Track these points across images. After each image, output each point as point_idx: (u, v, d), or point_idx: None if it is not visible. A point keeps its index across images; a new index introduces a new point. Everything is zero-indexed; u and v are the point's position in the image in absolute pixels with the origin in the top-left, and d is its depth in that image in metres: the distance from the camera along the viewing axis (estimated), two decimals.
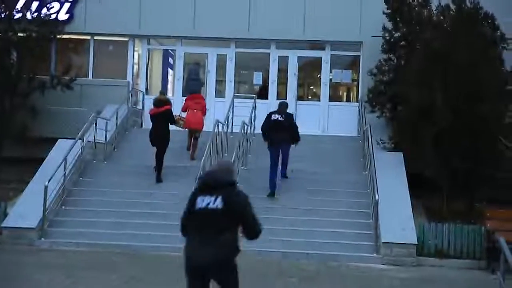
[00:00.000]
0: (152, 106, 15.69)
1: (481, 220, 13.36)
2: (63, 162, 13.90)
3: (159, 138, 14.97)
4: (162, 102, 15.46)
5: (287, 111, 14.98)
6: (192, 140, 16.65)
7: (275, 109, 14.95)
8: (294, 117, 15.39)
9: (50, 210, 13.43)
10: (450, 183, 14.30)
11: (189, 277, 6.10)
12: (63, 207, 14.00)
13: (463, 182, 14.35)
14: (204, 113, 16.87)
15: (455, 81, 14.18)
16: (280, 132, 14.32)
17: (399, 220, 12.96)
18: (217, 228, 5.98)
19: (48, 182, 13.12)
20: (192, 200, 6.14)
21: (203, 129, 16.67)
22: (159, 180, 15.02)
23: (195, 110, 16.62)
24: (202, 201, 6.04)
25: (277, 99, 18.96)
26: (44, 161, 14.91)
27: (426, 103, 14.22)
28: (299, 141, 14.77)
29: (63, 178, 13.97)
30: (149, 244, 12.84)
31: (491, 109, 13.83)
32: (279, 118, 14.51)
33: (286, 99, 18.04)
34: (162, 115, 15.15)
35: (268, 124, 14.58)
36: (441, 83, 14.18)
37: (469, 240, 12.92)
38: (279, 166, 14.35)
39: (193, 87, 18.44)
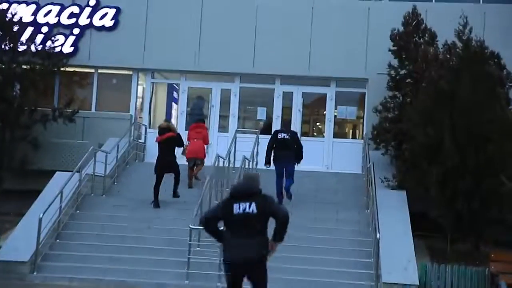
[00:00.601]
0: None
1: (487, 263, 12.97)
2: (59, 195, 13.66)
3: (163, 165, 15.03)
4: (165, 129, 15.48)
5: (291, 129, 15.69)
6: (194, 168, 16.55)
7: (280, 128, 15.75)
8: (298, 135, 16.09)
9: (44, 243, 13.16)
10: (454, 224, 13.95)
11: (229, 274, 7.43)
12: (57, 240, 13.73)
13: (468, 223, 13.99)
14: (206, 142, 16.94)
15: (461, 120, 13.92)
16: (286, 150, 15.02)
17: (401, 260, 12.59)
18: (254, 229, 7.38)
19: (43, 215, 12.88)
20: (228, 207, 7.44)
21: (205, 158, 16.69)
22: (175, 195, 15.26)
23: (195, 140, 16.68)
24: (239, 208, 7.40)
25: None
26: (41, 193, 14.68)
27: (432, 142, 13.96)
28: (302, 160, 15.38)
29: (58, 211, 13.72)
30: (145, 280, 12.52)
31: (498, 149, 13.52)
32: (286, 137, 15.15)
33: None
34: (166, 143, 15.19)
35: (274, 142, 15.16)
36: (448, 122, 13.92)
37: (472, 282, 12.54)
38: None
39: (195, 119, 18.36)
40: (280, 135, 15.20)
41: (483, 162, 13.63)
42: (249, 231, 7.33)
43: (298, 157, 15.26)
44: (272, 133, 15.64)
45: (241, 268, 7.36)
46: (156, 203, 15.05)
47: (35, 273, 12.70)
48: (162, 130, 15.44)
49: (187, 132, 17.64)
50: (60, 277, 12.56)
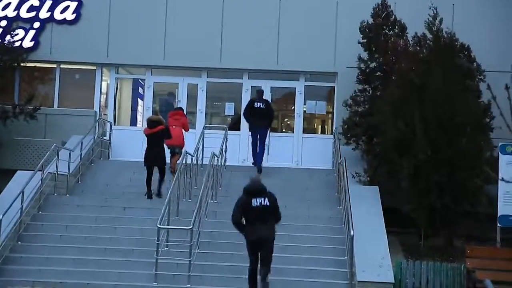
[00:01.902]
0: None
1: (461, 258, 12.77)
2: (20, 195, 13.10)
3: (153, 158, 14.97)
4: (155, 122, 15.32)
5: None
6: (173, 157, 16.27)
7: (256, 98, 17.06)
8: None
9: (4, 246, 12.59)
10: (427, 219, 13.72)
11: (252, 250, 10.74)
12: (19, 242, 13.16)
13: (442, 218, 13.79)
14: (186, 129, 16.84)
15: (432, 113, 13.70)
16: (262, 119, 16.68)
17: (375, 257, 12.31)
18: (268, 217, 10.69)
19: (2, 216, 12.30)
20: (248, 201, 10.72)
21: (183, 146, 16.34)
22: (159, 195, 15.05)
23: (173, 126, 16.31)
24: (256, 201, 10.71)
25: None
26: (1, 194, 14.08)
27: (403, 135, 13.71)
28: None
29: (19, 211, 13.16)
30: (111, 282, 12.07)
31: (470, 142, 13.33)
32: (261, 106, 16.76)
33: None
34: (156, 136, 15.09)
35: (251, 110, 16.77)
36: (419, 115, 13.68)
37: (448, 279, 12.28)
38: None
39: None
40: (257, 104, 16.81)
41: (455, 154, 13.41)
42: (265, 218, 10.64)
43: (270, 123, 17.32)
44: (248, 102, 17.20)
45: (260, 244, 10.65)
46: (150, 195, 15.04)
47: None
48: (153, 123, 15.27)
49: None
50: (22, 281, 12.05)
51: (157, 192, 15.15)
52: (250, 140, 17.12)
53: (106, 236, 13.44)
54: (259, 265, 10.77)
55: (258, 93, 17.35)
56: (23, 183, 13.48)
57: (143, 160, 15.34)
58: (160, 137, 15.20)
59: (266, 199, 10.76)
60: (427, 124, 13.72)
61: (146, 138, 15.45)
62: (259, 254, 10.74)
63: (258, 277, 10.75)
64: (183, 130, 16.65)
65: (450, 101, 13.69)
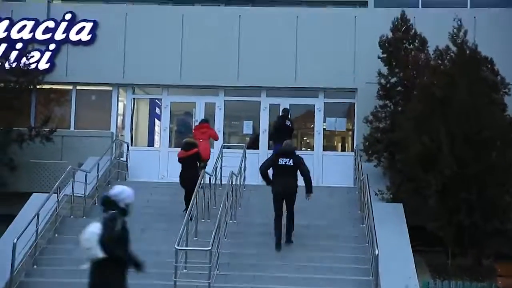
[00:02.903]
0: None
1: (491, 277, 12.27)
2: (36, 218, 12.81)
3: (188, 181, 14.61)
4: (190, 145, 15.16)
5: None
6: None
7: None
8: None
9: (19, 270, 12.27)
10: (455, 237, 13.24)
11: (277, 199, 12.86)
12: (34, 266, 12.84)
13: (470, 236, 13.31)
14: (216, 138, 17.05)
15: (458, 127, 13.27)
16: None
17: (401, 277, 11.85)
18: (291, 174, 12.76)
19: (17, 240, 12.00)
20: (275, 160, 12.96)
21: (209, 159, 16.33)
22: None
23: (200, 140, 16.15)
24: (282, 160, 12.83)
25: (268, 149, 18.07)
26: (16, 217, 13.82)
27: (428, 150, 13.29)
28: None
29: (35, 234, 12.87)
30: None
31: (500, 156, 12.87)
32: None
33: None
34: (191, 158, 14.92)
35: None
36: (444, 130, 13.26)
37: None
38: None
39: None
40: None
41: (484, 170, 12.95)
42: (289, 174, 12.74)
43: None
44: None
45: (285, 196, 12.80)
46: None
47: None
48: (187, 145, 15.11)
49: (169, 152, 17.15)
50: None
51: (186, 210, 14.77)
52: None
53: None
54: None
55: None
56: (39, 206, 13.20)
57: (177, 181, 15.12)
58: (194, 160, 15.02)
59: (291, 160, 12.82)
60: (453, 138, 13.28)
61: (183, 160, 15.09)
62: (283, 203, 12.86)
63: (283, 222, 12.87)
64: (211, 141, 16.74)
65: (476, 114, 13.26)
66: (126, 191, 7.51)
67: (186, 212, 14.10)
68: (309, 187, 12.79)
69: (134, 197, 7.61)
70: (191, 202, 13.65)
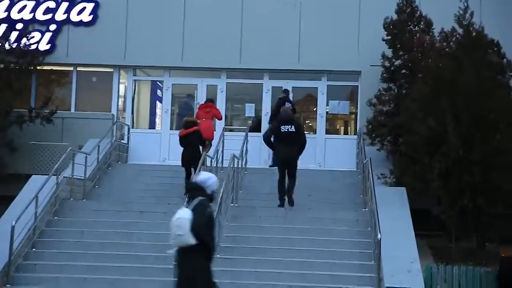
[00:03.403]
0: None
1: (494, 262, 12.11)
2: (34, 200, 12.67)
3: (189, 160, 14.66)
4: (190, 123, 15.17)
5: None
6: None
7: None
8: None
9: (17, 253, 12.12)
10: (459, 221, 13.08)
11: (281, 165, 13.65)
12: (33, 249, 12.70)
13: (474, 220, 13.14)
14: (219, 118, 16.92)
15: (465, 110, 13.06)
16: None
17: (403, 261, 11.67)
18: (293, 140, 13.36)
19: (15, 222, 11.85)
20: (278, 127, 13.50)
21: (213, 139, 16.30)
22: None
23: (204, 119, 16.19)
24: (285, 127, 13.43)
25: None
26: (15, 199, 13.67)
27: (434, 133, 13.08)
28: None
29: (34, 217, 12.73)
30: None
31: (505, 139, 12.66)
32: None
33: None
34: (192, 136, 14.89)
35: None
36: (450, 112, 13.05)
37: (482, 284, 11.64)
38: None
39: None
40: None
41: (489, 153, 12.75)
42: (291, 141, 13.34)
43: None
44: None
45: (287, 161, 13.46)
46: None
47: (8, 286, 11.68)
48: (187, 124, 15.14)
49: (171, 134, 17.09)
50: None
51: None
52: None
53: (123, 241, 12.96)
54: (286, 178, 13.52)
55: (283, 102, 16.05)
56: (38, 188, 13.06)
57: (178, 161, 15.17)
58: (194, 138, 14.98)
59: (293, 126, 13.46)
60: (459, 121, 13.08)
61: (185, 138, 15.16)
62: (286, 169, 13.48)
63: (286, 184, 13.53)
64: (215, 121, 16.67)
65: (484, 97, 13.04)
66: (212, 177, 7.46)
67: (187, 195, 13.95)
68: (300, 150, 13.72)
69: (217, 184, 7.50)
70: None
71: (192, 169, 14.72)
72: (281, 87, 18.35)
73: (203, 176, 7.49)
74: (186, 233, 6.97)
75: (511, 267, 11.71)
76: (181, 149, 15.22)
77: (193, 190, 7.37)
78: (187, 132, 14.96)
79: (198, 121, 15.79)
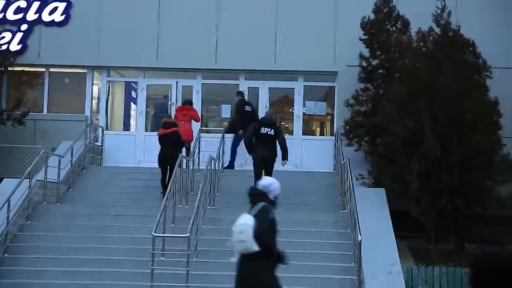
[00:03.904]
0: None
1: None
2: (6, 204, 12.34)
3: (167, 159, 14.45)
4: (169, 124, 15.08)
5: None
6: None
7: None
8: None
9: None
10: (437, 222, 13.01)
11: (258, 164, 13.99)
12: (5, 255, 12.36)
13: (452, 221, 13.08)
14: (197, 119, 16.85)
15: (442, 110, 13.00)
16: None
17: (384, 263, 11.58)
18: (272, 142, 14.04)
19: None
20: (258, 129, 14.08)
21: (192, 141, 16.28)
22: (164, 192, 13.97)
23: (182, 122, 16.06)
24: (264, 130, 14.04)
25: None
26: None
27: (411, 134, 13.00)
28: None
29: (6, 221, 12.39)
30: None
31: (483, 139, 12.62)
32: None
33: None
34: (170, 137, 14.75)
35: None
36: (428, 113, 12.97)
37: (463, 285, 11.57)
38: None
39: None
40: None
41: (467, 153, 12.70)
42: (269, 143, 13.98)
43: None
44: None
45: (264, 161, 13.85)
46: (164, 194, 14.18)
47: None
48: (166, 124, 15.06)
49: (146, 136, 17.02)
50: None
51: (163, 189, 14.33)
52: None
53: (98, 246, 12.68)
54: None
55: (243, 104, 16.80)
56: (10, 192, 12.72)
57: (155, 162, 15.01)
58: (173, 138, 14.84)
59: (272, 129, 14.03)
60: (436, 122, 13.01)
61: (163, 138, 15.04)
62: (263, 169, 13.80)
63: None
64: (193, 123, 16.66)
65: (461, 97, 12.99)
66: (275, 183, 7.41)
67: (163, 194, 13.73)
68: (284, 155, 14.17)
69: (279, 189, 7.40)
70: (169, 183, 13.26)
71: (168, 169, 14.49)
72: (258, 88, 18.19)
73: (266, 181, 7.45)
74: (249, 240, 6.86)
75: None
76: (157, 151, 14.98)
77: (256, 195, 7.28)
78: (166, 132, 14.80)
79: (176, 122, 15.57)
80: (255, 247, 6.85)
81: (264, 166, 13.85)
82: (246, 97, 17.60)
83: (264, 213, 7.00)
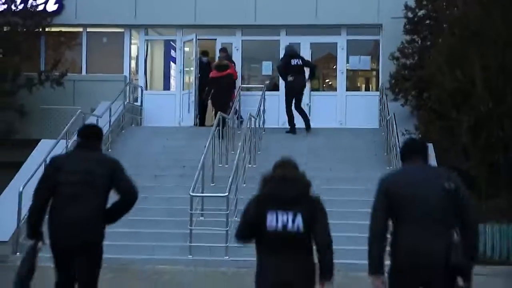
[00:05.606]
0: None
1: None
2: (43, 165, 12.10)
3: (219, 103, 14.56)
4: (223, 66, 15.11)
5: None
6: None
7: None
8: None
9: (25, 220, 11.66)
10: (490, 178, 12.39)
11: (290, 94, 15.37)
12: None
13: (505, 175, 12.44)
14: (235, 78, 16.38)
15: (494, 60, 12.27)
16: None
17: None
18: (301, 72, 15.49)
19: (23, 188, 11.32)
20: (288, 61, 15.46)
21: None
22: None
23: None
24: (294, 61, 15.30)
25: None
26: (23, 164, 13.16)
27: (462, 86, 12.33)
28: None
29: None
30: (143, 256, 11.09)
31: None
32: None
33: None
34: (225, 79, 14.89)
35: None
36: (479, 63, 12.27)
37: None
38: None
39: None
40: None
41: None
42: (300, 72, 15.49)
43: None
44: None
45: (297, 90, 15.33)
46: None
47: (18, 254, 11.19)
48: (219, 67, 15.25)
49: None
50: (47, 257, 11.06)
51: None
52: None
53: (137, 206, 12.29)
54: None
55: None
56: (47, 152, 12.52)
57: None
58: (227, 81, 14.94)
59: (300, 60, 15.21)
60: (488, 73, 12.31)
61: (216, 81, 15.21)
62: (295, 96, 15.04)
63: None
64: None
65: None
66: None
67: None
68: (313, 73, 15.76)
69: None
70: (206, 147, 12.87)
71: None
72: (299, 43, 17.59)
73: None
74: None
75: None
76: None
77: None
78: (220, 75, 14.53)
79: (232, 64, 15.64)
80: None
81: (296, 95, 15.21)
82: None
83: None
